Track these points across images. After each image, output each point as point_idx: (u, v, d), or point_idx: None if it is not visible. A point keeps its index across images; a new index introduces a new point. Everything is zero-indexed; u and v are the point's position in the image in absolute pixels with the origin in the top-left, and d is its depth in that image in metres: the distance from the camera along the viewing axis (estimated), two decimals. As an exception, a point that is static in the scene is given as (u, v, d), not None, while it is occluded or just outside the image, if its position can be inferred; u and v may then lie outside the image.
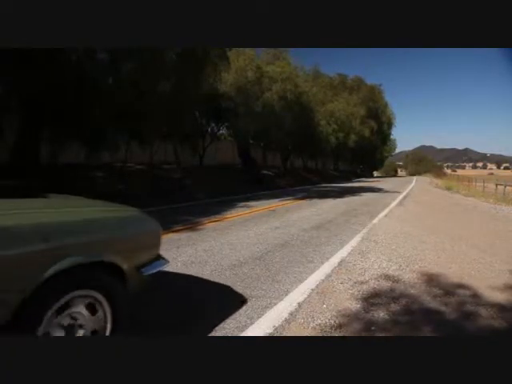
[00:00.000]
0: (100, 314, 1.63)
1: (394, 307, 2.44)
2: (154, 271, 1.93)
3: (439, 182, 27.42)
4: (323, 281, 2.98)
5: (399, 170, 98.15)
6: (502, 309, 2.42)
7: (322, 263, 3.54)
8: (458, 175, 36.62)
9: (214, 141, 18.10)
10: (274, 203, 9.22)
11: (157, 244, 2.05)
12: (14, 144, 8.43)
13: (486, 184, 17.86)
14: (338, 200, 10.73)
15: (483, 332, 2.09)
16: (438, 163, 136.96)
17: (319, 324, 2.16)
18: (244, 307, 2.39)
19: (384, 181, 30.68)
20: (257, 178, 17.03)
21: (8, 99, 8.17)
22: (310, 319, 2.23)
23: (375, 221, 6.41)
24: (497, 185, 15.08)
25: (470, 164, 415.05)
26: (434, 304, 2.51)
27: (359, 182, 27.92)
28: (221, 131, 19.28)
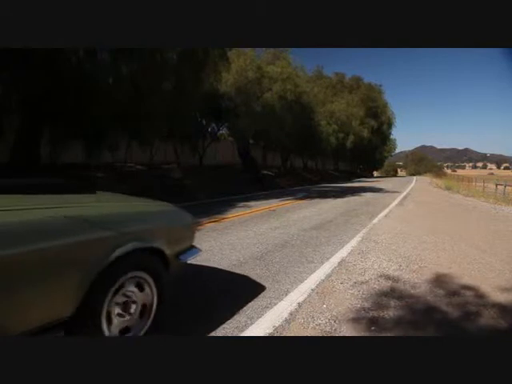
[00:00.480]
0: (147, 290, 1.90)
1: (394, 307, 2.44)
2: (190, 258, 2.24)
3: (439, 181, 27.42)
4: (323, 281, 2.98)
5: (399, 170, 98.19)
6: (502, 309, 2.42)
7: (322, 263, 3.54)
8: (458, 175, 36.63)
9: (214, 141, 18.12)
10: (274, 203, 9.22)
11: (192, 235, 2.39)
12: (13, 144, 8.43)
13: (485, 184, 17.87)
14: (338, 200, 10.73)
15: (483, 332, 2.09)
16: (438, 163, 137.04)
17: (319, 324, 2.16)
18: (244, 307, 2.39)
19: (384, 181, 30.69)
20: (257, 177, 17.03)
21: (8, 99, 8.18)
22: (309, 319, 2.23)
23: (375, 221, 6.41)
24: (497, 185, 15.08)
25: (470, 164, 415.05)
26: (433, 304, 2.51)
27: (359, 181, 27.92)
28: (221, 131, 19.31)
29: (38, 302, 1.39)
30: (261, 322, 2.17)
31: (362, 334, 2.06)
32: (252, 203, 9.03)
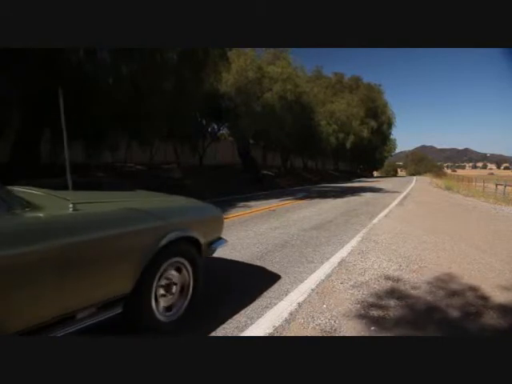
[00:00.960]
0: (184, 273, 2.20)
1: (394, 307, 2.44)
2: (219, 247, 2.59)
3: (439, 181, 27.42)
4: (323, 281, 2.98)
5: (399, 170, 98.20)
6: (502, 309, 2.42)
7: (322, 263, 3.54)
8: (457, 175, 36.64)
9: (214, 141, 18.12)
10: (274, 203, 9.22)
11: (220, 227, 2.71)
12: (13, 144, 8.43)
13: (485, 184, 17.87)
14: (338, 200, 10.73)
15: (483, 332, 2.09)
16: (438, 163, 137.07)
17: (319, 324, 2.16)
18: (244, 307, 2.39)
19: (384, 181, 30.69)
20: (257, 177, 17.04)
21: (8, 99, 8.18)
22: (309, 319, 2.23)
23: (375, 221, 6.41)
24: (497, 185, 15.08)
25: (470, 164, 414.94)
26: (434, 304, 2.51)
27: (359, 182, 27.92)
28: (221, 131, 19.31)
29: (111, 278, 1.72)
30: (261, 321, 2.17)
31: (362, 333, 2.06)
32: (252, 203, 9.03)
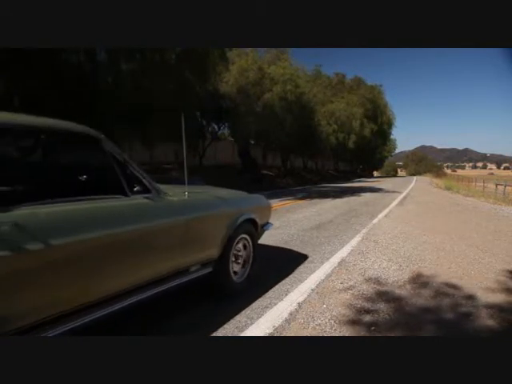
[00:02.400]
0: (248, 249, 2.83)
1: (394, 307, 2.44)
2: (268, 229, 3.27)
3: (439, 182, 27.42)
4: (323, 281, 2.98)
5: (399, 170, 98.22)
6: (502, 309, 2.42)
7: (322, 263, 3.53)
8: (457, 175, 36.64)
9: (214, 141, 18.11)
10: (274, 203, 9.23)
11: (269, 214, 3.37)
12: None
13: (485, 184, 17.87)
14: (338, 200, 10.73)
15: (483, 332, 2.09)
16: (438, 163, 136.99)
17: (319, 324, 2.16)
18: (244, 307, 2.39)
19: (384, 181, 30.69)
20: (257, 177, 17.04)
21: (8, 99, 8.18)
22: (309, 319, 2.23)
23: (375, 221, 6.41)
24: (497, 185, 15.08)
25: (470, 164, 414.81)
26: (434, 304, 2.51)
27: (359, 182, 27.92)
28: (221, 131, 19.32)
29: (208, 246, 2.33)
30: (261, 321, 2.17)
31: (362, 334, 2.06)
32: (252, 203, 9.02)
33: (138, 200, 1.85)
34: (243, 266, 2.78)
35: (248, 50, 16.21)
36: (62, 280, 1.41)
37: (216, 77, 13.08)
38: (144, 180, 1.94)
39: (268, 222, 3.30)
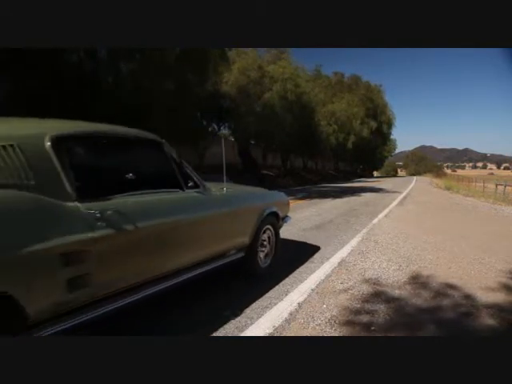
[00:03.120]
0: (271, 238, 3.23)
1: (394, 307, 2.44)
2: (287, 222, 3.64)
3: (439, 182, 27.42)
4: (323, 281, 2.98)
5: (399, 170, 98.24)
6: (502, 309, 2.42)
7: (322, 263, 3.53)
8: (457, 175, 36.64)
9: (214, 141, 18.11)
10: (274, 203, 9.21)
11: (288, 208, 3.72)
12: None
13: (485, 184, 17.87)
14: (338, 200, 10.73)
15: (483, 332, 2.09)
16: (438, 163, 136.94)
17: (319, 324, 2.16)
18: (243, 307, 2.39)
19: (384, 181, 30.70)
20: (257, 177, 17.04)
21: (8, 99, 8.18)
22: (309, 319, 2.23)
23: (375, 221, 6.41)
24: (497, 185, 15.08)
25: (470, 164, 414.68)
26: (433, 304, 2.51)
27: (359, 182, 27.93)
28: (221, 131, 19.31)
29: (242, 234, 2.72)
30: (261, 321, 2.17)
31: (362, 334, 2.06)
32: (252, 203, 9.02)
33: (191, 194, 2.26)
34: (267, 253, 3.19)
35: (248, 49, 16.20)
36: (144, 253, 1.80)
37: (216, 77, 13.09)
38: (195, 177, 2.34)
39: (287, 216, 3.64)
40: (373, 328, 2.12)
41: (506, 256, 3.96)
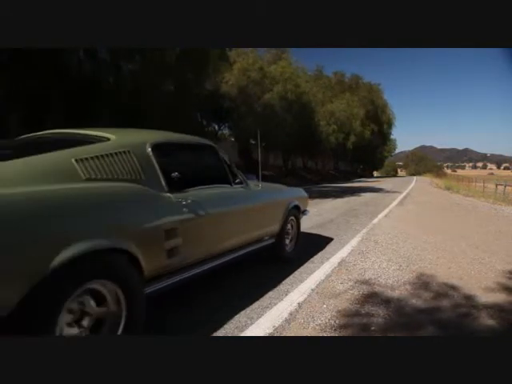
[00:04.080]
0: (294, 228, 3.71)
1: (394, 307, 2.44)
2: (306, 214, 4.09)
3: (439, 182, 27.42)
4: (323, 281, 2.98)
5: (399, 170, 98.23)
6: (502, 309, 2.42)
7: (322, 263, 3.53)
8: (457, 175, 36.63)
9: (214, 140, 18.12)
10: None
11: (307, 203, 4.19)
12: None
13: (485, 184, 17.87)
14: (338, 200, 10.73)
15: (483, 332, 2.09)
16: (438, 163, 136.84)
17: (319, 324, 2.16)
18: (243, 307, 2.39)
19: (384, 181, 30.70)
20: (257, 177, 17.01)
21: (9, 99, 8.18)
22: (309, 319, 2.23)
23: (375, 221, 6.41)
24: (497, 185, 15.08)
25: (470, 164, 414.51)
26: (433, 304, 2.51)
27: (359, 182, 27.92)
28: (221, 131, 19.32)
29: (274, 223, 3.22)
30: (261, 321, 2.17)
31: (362, 334, 2.06)
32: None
33: (238, 188, 2.75)
34: (291, 240, 3.66)
35: (248, 49, 16.21)
36: (210, 233, 2.29)
37: (216, 77, 13.09)
38: (239, 175, 2.85)
39: (306, 209, 4.07)
40: (373, 328, 2.12)
41: (506, 256, 3.96)
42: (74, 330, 1.42)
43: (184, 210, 2.01)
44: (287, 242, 3.56)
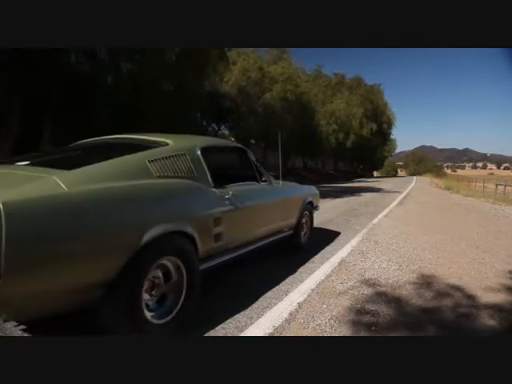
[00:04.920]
0: (308, 221, 4.12)
1: (394, 307, 2.44)
2: (317, 210, 4.49)
3: (439, 182, 27.41)
4: (323, 281, 2.98)
5: (399, 170, 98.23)
6: (502, 309, 2.42)
7: (322, 263, 3.53)
8: (457, 175, 36.62)
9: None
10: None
11: (319, 199, 4.61)
12: (13, 143, 8.43)
13: (485, 184, 17.87)
14: (338, 200, 10.73)
15: (483, 332, 2.09)
16: (438, 163, 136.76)
17: (319, 324, 2.16)
18: (243, 307, 2.39)
19: (384, 181, 30.70)
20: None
21: (8, 99, 8.18)
22: (309, 319, 2.23)
23: (375, 221, 6.40)
24: (497, 185, 15.08)
25: (470, 164, 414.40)
26: (433, 304, 2.51)
27: (359, 182, 27.92)
28: (221, 131, 19.32)
29: (292, 216, 3.61)
30: (261, 321, 2.17)
31: (362, 334, 2.06)
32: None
33: (264, 186, 3.17)
34: (305, 233, 4.05)
35: (248, 50, 16.22)
36: (245, 222, 2.73)
37: (216, 77, 13.09)
38: (265, 174, 3.26)
39: (317, 205, 4.50)
40: (373, 328, 2.12)
41: (506, 256, 3.96)
42: (147, 297, 1.79)
43: (226, 202, 2.40)
44: (302, 233, 3.95)
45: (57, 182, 1.50)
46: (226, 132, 20.12)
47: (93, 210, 1.54)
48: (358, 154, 38.29)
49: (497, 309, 2.42)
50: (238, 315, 2.26)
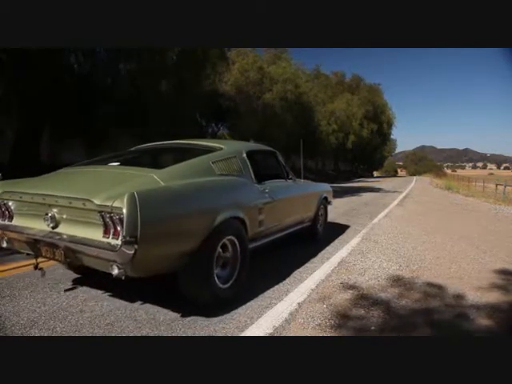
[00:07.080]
0: (323, 215, 4.75)
1: (394, 307, 2.44)
2: (331, 204, 5.00)
3: (439, 182, 27.41)
4: (323, 281, 2.98)
5: (399, 170, 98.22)
6: (502, 309, 2.42)
7: (323, 263, 3.53)
8: (457, 175, 36.62)
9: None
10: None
11: (332, 195, 5.03)
12: (13, 143, 8.43)
13: (485, 184, 17.87)
14: (338, 200, 10.72)
15: (482, 332, 2.09)
16: (438, 163, 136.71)
17: (319, 324, 2.16)
18: (243, 307, 2.39)
19: (384, 181, 30.69)
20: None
21: (8, 99, 8.18)
22: (309, 319, 2.23)
23: (375, 221, 6.40)
24: (497, 185, 15.08)
25: (470, 164, 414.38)
26: (433, 304, 2.51)
27: (359, 182, 27.92)
28: (221, 131, 19.31)
29: (311, 209, 4.22)
30: (261, 321, 2.16)
31: (362, 333, 2.06)
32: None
33: (290, 182, 3.76)
34: (321, 224, 4.61)
35: (248, 50, 16.22)
36: (279, 212, 3.22)
37: (216, 77, 13.09)
38: (290, 173, 3.81)
39: (331, 201, 5.00)
40: (373, 328, 2.12)
41: (506, 256, 3.96)
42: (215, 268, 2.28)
43: (265, 195, 2.95)
44: (318, 225, 4.50)
45: (155, 178, 2.08)
46: (226, 132, 20.13)
47: (187, 198, 2.11)
48: (358, 154, 38.30)
49: (496, 309, 2.42)
50: (237, 315, 2.26)
